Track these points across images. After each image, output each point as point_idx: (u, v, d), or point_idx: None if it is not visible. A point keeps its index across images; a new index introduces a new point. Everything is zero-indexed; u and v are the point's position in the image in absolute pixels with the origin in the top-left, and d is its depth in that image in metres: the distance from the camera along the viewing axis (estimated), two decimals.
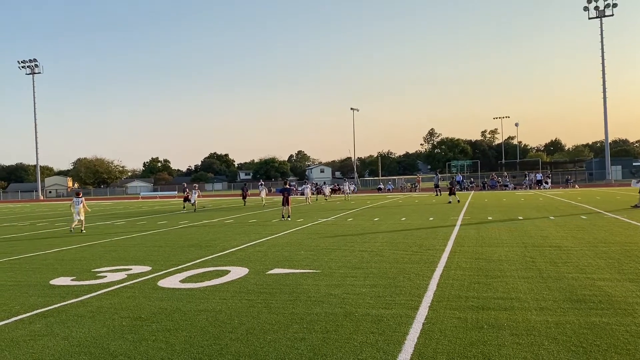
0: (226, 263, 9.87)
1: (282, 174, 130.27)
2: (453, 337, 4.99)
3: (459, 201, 29.10)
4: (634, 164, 76.62)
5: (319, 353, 4.69)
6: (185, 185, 37.03)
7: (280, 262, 9.70)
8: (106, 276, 8.93)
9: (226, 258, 10.55)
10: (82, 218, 18.49)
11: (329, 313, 6.01)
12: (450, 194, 30.00)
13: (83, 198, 19.12)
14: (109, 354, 4.84)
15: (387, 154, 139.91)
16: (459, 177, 57.71)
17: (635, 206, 20.43)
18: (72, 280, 8.70)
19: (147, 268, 9.62)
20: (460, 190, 50.55)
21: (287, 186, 22.13)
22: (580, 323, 5.30)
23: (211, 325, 5.69)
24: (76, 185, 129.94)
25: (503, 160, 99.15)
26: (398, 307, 6.18)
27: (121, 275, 8.93)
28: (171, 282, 8.20)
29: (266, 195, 36.91)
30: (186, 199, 32.37)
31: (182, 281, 8.21)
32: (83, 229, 18.41)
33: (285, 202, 20.66)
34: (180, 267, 9.63)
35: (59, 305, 6.88)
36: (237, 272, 8.78)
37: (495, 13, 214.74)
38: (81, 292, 7.67)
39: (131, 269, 9.56)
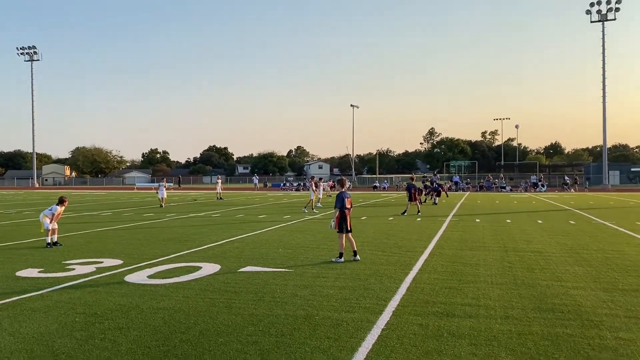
0: (200, 259, 9.69)
1: (280, 169, 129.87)
2: (409, 345, 4.82)
3: (418, 212, 20.62)
4: (632, 169, 76.33)
5: (267, 359, 4.52)
6: (180, 178, 36.71)
7: (255, 260, 9.52)
8: (75, 269, 8.75)
9: (202, 254, 10.37)
10: None
11: (289, 315, 5.84)
12: (409, 200, 21.30)
13: None
14: (51, 353, 4.67)
15: (386, 152, 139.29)
16: (456, 178, 57.53)
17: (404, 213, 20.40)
18: (39, 272, 8.52)
19: (119, 262, 9.45)
20: (456, 191, 50.34)
21: (414, 183, 22.17)
22: (544, 334, 5.13)
23: (165, 324, 5.52)
24: (74, 174, 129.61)
25: (502, 162, 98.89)
26: (361, 310, 6.01)
27: (90, 268, 8.76)
28: (139, 277, 8.03)
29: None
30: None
31: (150, 277, 8.04)
32: None
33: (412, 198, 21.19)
34: (152, 261, 9.45)
35: (17, 298, 6.71)
36: (208, 269, 8.61)
37: (500, 14, 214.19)
38: (45, 285, 7.50)
39: (102, 262, 9.39)
